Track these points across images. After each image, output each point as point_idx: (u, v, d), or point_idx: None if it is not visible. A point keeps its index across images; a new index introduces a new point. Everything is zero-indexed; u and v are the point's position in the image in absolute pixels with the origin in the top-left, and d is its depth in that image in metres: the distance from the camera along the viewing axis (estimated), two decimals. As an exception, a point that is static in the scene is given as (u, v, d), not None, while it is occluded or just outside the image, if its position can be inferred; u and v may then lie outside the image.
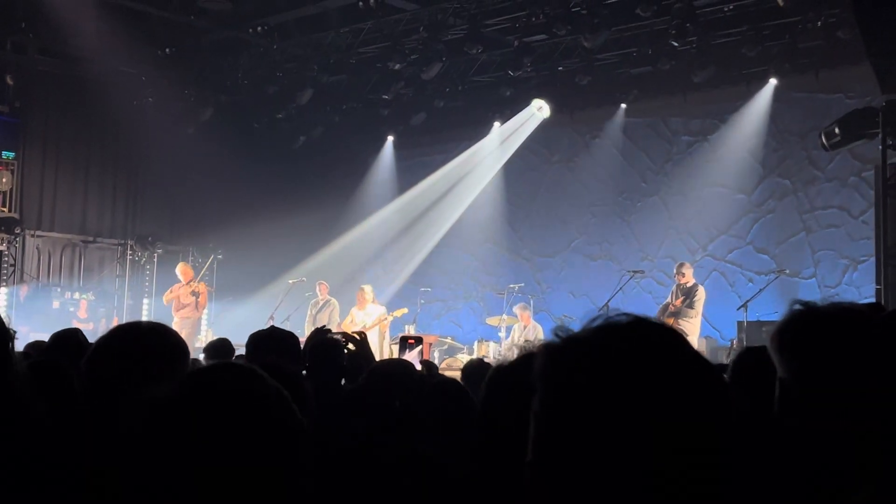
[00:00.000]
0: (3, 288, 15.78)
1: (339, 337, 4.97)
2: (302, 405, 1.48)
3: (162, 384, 1.38)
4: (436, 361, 12.20)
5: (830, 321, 1.88)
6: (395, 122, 17.26)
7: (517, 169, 16.97)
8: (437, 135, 17.44)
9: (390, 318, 14.12)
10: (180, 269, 14.68)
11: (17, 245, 16.23)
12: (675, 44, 12.76)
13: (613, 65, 14.69)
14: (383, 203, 18.33)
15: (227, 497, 1.30)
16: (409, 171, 18.14)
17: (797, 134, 14.03)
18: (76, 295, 16.46)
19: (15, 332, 1.86)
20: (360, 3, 12.65)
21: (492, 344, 14.12)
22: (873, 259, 11.67)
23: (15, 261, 16.15)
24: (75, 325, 11.49)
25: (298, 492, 1.36)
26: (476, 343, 14.51)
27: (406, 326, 14.62)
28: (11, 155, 16.09)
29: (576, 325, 1.20)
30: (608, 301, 12.80)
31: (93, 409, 2.23)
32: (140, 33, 14.37)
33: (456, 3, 13.07)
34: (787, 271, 13.11)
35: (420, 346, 8.64)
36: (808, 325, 1.89)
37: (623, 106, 15.67)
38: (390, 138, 18.57)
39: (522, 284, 14.99)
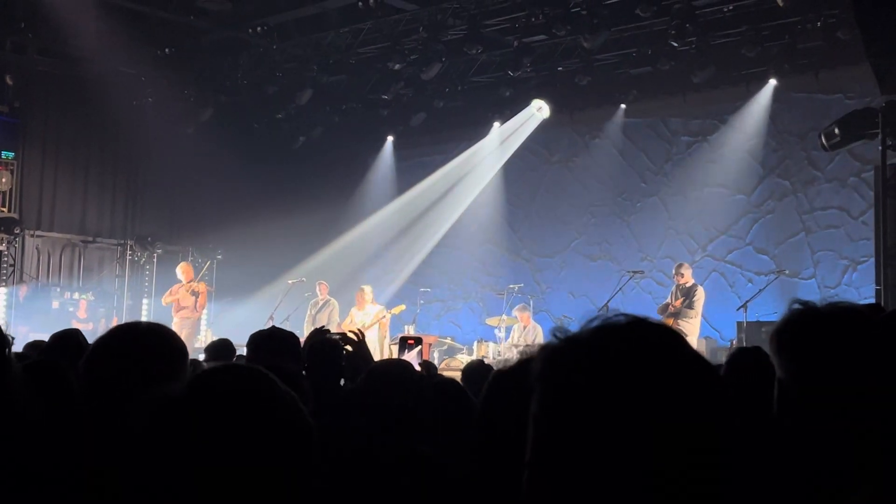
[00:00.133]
0: (2, 288, 15.76)
1: (337, 337, 4.98)
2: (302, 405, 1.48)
3: (161, 385, 1.38)
4: (435, 362, 12.22)
5: (830, 322, 1.88)
6: (394, 122, 17.25)
7: (517, 169, 16.96)
8: (437, 135, 17.43)
9: (389, 316, 14.10)
10: (181, 269, 14.59)
11: (16, 245, 16.21)
12: (675, 44, 12.77)
13: (613, 65, 14.69)
14: (383, 203, 18.32)
15: (236, 499, 1.30)
16: (409, 172, 18.14)
17: (797, 134, 14.03)
18: (76, 295, 16.45)
19: (13, 337, 1.86)
20: (360, 4, 12.66)
21: (491, 344, 14.10)
22: (873, 260, 11.67)
23: (14, 261, 16.14)
24: (75, 325, 11.49)
25: (308, 494, 1.36)
26: (475, 343, 14.47)
27: (405, 327, 14.62)
28: (11, 155, 16.07)
29: (575, 326, 1.20)
30: (608, 301, 12.81)
31: (91, 410, 2.22)
32: (140, 33, 14.36)
33: (456, 3, 13.06)
34: (787, 272, 13.11)
35: (419, 347, 8.64)
36: (808, 325, 1.89)
37: (623, 106, 15.67)
38: (390, 138, 18.57)
39: (522, 285, 14.97)
